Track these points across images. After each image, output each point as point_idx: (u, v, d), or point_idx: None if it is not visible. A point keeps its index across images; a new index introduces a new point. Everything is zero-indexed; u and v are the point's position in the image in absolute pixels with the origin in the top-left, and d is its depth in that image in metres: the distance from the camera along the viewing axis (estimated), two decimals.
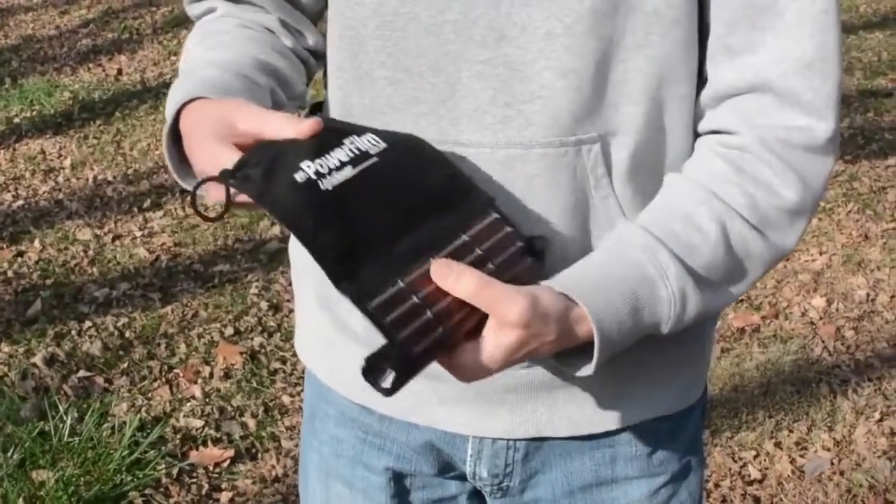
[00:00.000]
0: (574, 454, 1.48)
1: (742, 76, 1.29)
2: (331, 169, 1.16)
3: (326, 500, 1.61)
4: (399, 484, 1.55)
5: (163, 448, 3.53)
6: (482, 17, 1.26)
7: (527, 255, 1.24)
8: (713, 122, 1.34)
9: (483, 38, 1.26)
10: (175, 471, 3.44)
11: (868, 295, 4.51)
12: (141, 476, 3.39)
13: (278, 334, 4.17)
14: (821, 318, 4.35)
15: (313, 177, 1.15)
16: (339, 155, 1.18)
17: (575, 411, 1.43)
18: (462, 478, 1.53)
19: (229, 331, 4.19)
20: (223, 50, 1.42)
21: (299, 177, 1.14)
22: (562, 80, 1.26)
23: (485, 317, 1.15)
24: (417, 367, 1.11)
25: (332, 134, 1.20)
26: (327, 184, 1.15)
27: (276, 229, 4.95)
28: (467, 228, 1.22)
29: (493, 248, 1.22)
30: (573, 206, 1.30)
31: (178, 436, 3.61)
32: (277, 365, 3.99)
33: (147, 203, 5.26)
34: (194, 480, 3.43)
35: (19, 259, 4.72)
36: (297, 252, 1.56)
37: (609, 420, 1.45)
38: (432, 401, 1.43)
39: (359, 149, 1.20)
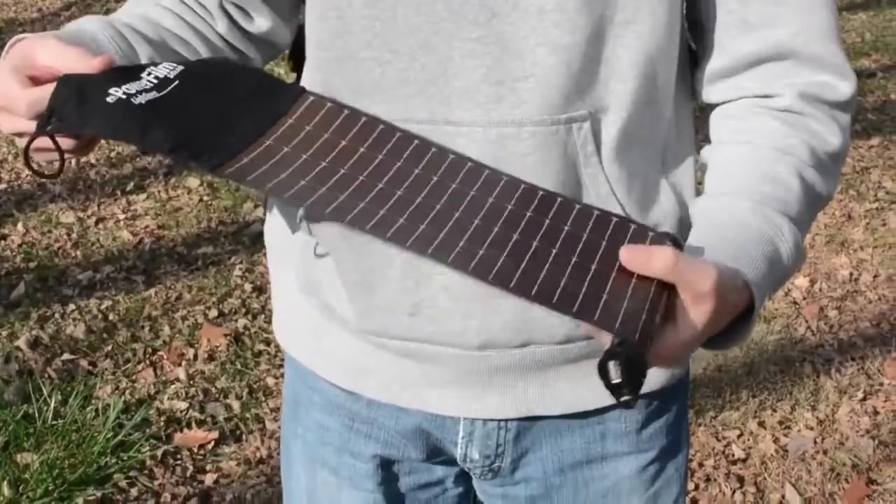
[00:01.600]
0: (564, 432, 1.48)
1: (762, 47, 1.35)
2: (138, 91, 1.20)
3: (312, 488, 1.60)
4: (387, 471, 1.54)
5: (147, 430, 3.53)
6: None
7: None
8: (735, 89, 1.39)
9: (475, 15, 1.26)
10: (159, 453, 3.44)
11: (851, 275, 4.53)
12: (125, 458, 3.38)
13: (262, 316, 4.17)
14: (804, 298, 4.36)
15: (123, 97, 1.18)
16: (142, 84, 1.21)
17: (567, 389, 1.43)
18: (448, 462, 1.53)
19: (213, 313, 4.19)
20: (129, 15, 1.44)
21: (111, 99, 1.17)
22: (553, 56, 1.26)
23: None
24: (644, 357, 1.06)
25: (129, 70, 1.24)
26: (139, 100, 1.19)
27: (260, 212, 4.94)
28: (290, 113, 1.26)
29: (321, 123, 1.25)
30: (563, 182, 1.30)
31: (163, 418, 3.61)
32: (261, 347, 3.99)
33: (130, 186, 5.24)
34: (179, 462, 3.43)
35: (2, 242, 4.70)
36: (276, 238, 1.54)
37: (601, 397, 1.44)
38: (422, 384, 1.43)
39: (158, 77, 1.23)
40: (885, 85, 6.53)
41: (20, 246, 4.66)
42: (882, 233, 4.84)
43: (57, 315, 4.15)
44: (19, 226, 4.83)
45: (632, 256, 1.12)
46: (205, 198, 5.11)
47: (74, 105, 1.16)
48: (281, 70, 5.35)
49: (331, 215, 1.15)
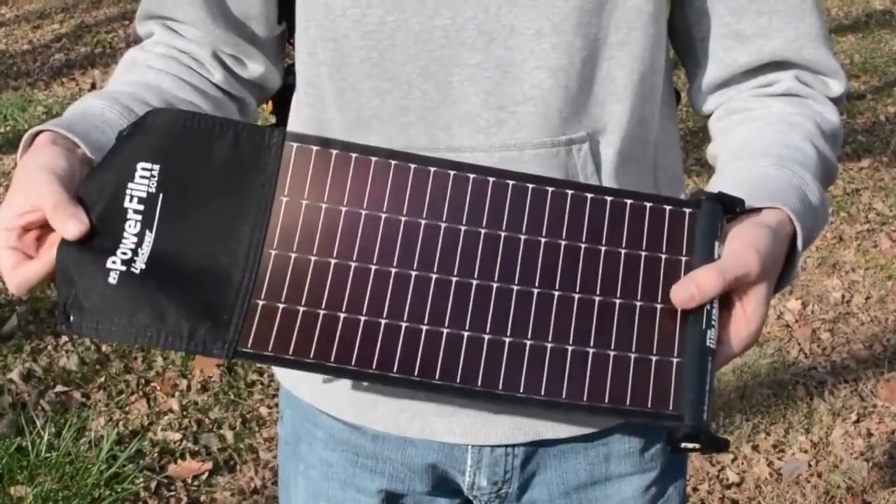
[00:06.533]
0: (568, 454, 1.48)
1: (758, 57, 1.38)
2: (134, 248, 1.16)
3: None
4: None
5: (141, 462, 3.53)
6: (471, 20, 1.27)
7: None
8: (732, 97, 1.43)
9: (473, 41, 1.27)
10: (153, 484, 3.43)
11: (843, 297, 4.53)
12: (119, 490, 3.38)
13: None
14: (796, 321, 4.36)
15: (123, 268, 1.15)
16: (131, 228, 1.17)
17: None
18: (453, 493, 1.53)
19: None
20: (128, 84, 1.41)
21: (112, 279, 1.14)
22: (551, 79, 1.28)
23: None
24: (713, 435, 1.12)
25: (109, 208, 1.18)
26: (139, 264, 1.15)
27: None
28: (277, 184, 1.21)
29: (314, 186, 1.21)
30: None
31: (156, 449, 3.60)
32: (254, 377, 3.99)
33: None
34: (173, 493, 3.42)
35: None
36: None
37: (606, 419, 1.46)
38: (430, 412, 1.43)
39: (140, 198, 1.19)
40: (874, 107, 6.54)
41: None
42: (873, 254, 4.84)
43: (50, 347, 4.14)
44: None
45: (682, 298, 1.15)
46: None
47: (88, 305, 1.13)
48: None
49: (352, 375, 1.16)
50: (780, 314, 4.38)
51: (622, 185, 1.35)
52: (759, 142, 1.35)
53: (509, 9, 1.26)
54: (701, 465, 3.53)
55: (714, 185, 1.30)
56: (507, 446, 1.45)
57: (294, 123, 1.45)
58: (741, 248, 1.15)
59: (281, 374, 1.58)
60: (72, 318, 1.14)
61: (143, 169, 1.20)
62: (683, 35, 1.42)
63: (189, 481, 3.47)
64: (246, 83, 1.49)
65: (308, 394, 1.52)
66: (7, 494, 3.31)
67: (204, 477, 3.50)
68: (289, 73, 1.50)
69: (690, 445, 1.11)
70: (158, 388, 3.93)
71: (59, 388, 3.89)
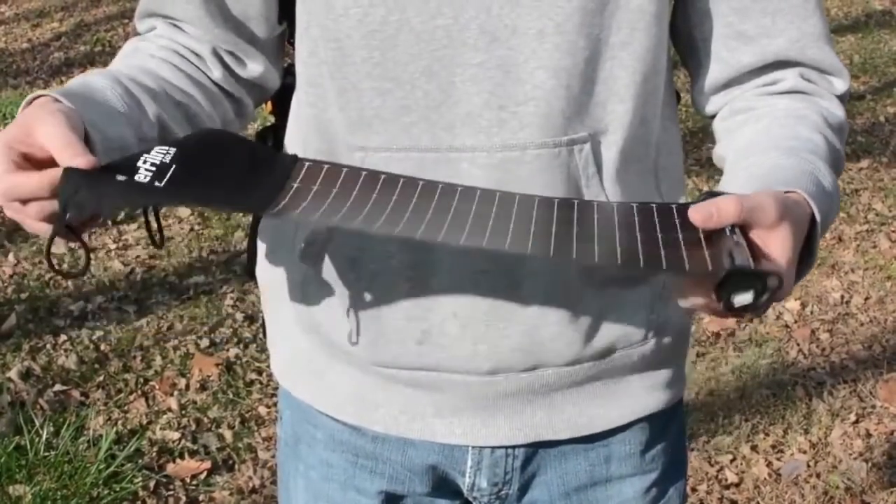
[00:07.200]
0: (569, 455, 1.49)
1: (762, 58, 1.38)
2: (143, 179, 1.18)
3: None
4: None
5: (139, 461, 3.52)
6: (473, 20, 1.27)
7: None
8: (736, 97, 1.42)
9: (475, 41, 1.27)
10: (152, 483, 3.43)
11: (842, 297, 4.53)
12: (118, 489, 3.38)
13: (254, 345, 4.16)
14: (795, 321, 4.36)
15: (149, 178, 1.17)
16: (142, 174, 1.18)
17: (574, 413, 1.44)
18: (453, 494, 1.53)
19: (205, 342, 4.18)
20: (129, 67, 1.41)
21: (121, 178, 1.15)
22: (553, 79, 1.28)
23: None
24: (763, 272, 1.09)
25: (124, 163, 1.20)
26: (147, 183, 1.17)
27: None
28: (292, 177, 1.24)
29: (326, 182, 1.24)
30: None
31: (155, 448, 3.60)
32: (253, 376, 3.99)
33: (121, 216, 5.23)
34: (171, 493, 3.42)
35: None
36: (270, 277, 1.53)
37: (607, 419, 1.46)
38: (430, 413, 1.43)
39: (154, 164, 1.20)
40: (874, 107, 6.54)
41: (11, 277, 4.65)
42: (873, 255, 4.84)
43: (48, 346, 4.14)
44: (10, 257, 4.81)
45: (701, 214, 1.12)
46: (195, 227, 5.10)
47: (87, 190, 1.13)
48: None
49: (383, 229, 1.16)
50: (779, 314, 4.38)
51: (624, 186, 1.35)
52: (767, 138, 1.34)
53: (511, 8, 1.26)
54: (699, 465, 3.53)
55: (724, 186, 1.29)
56: (507, 447, 1.45)
57: (294, 123, 1.45)
58: (758, 192, 1.15)
59: (282, 376, 1.58)
60: (69, 214, 1.14)
61: (161, 148, 1.23)
62: (685, 36, 1.42)
63: (188, 481, 3.47)
64: (245, 83, 1.49)
65: (308, 394, 1.52)
66: (6, 493, 3.31)
67: (202, 476, 3.49)
68: (288, 73, 1.50)
69: (743, 300, 1.07)
70: (157, 387, 3.93)
71: (58, 386, 3.89)
